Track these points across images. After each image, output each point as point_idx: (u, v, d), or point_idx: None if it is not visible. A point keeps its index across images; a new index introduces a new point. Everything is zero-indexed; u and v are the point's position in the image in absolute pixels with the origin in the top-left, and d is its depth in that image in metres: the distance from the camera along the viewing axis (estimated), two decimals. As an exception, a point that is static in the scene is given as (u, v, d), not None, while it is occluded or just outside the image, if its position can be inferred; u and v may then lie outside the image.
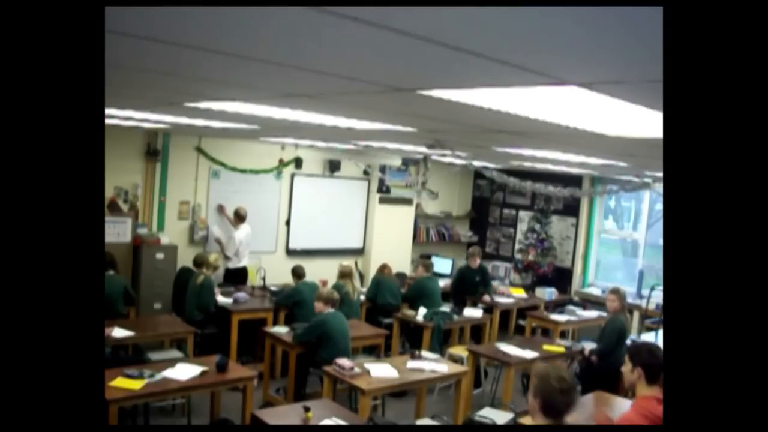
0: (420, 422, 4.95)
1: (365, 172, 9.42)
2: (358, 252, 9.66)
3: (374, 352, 6.53)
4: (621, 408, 4.79)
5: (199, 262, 6.77)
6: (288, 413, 4.16)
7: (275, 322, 6.71)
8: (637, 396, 3.08)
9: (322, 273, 8.02)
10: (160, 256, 7.35)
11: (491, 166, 7.52)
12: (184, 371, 4.53)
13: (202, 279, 6.42)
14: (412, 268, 9.64)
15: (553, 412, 2.54)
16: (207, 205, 8.14)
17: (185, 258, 7.40)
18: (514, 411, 5.16)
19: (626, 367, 3.13)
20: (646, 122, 2.43)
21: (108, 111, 4.52)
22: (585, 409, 4.73)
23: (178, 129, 6.51)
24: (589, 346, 6.16)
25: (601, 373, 5.53)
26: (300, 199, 8.99)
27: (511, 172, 6.37)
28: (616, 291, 5.86)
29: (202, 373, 4.53)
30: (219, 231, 7.92)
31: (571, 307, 8.34)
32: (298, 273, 6.91)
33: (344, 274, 6.98)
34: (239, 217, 7.82)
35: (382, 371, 4.90)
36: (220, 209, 8.12)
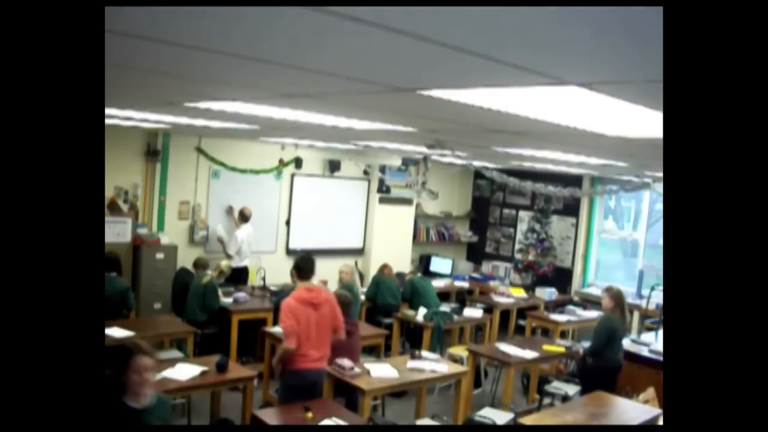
0: (420, 422, 4.95)
1: (365, 172, 9.42)
2: (358, 252, 9.66)
3: (374, 352, 6.53)
4: (621, 408, 4.80)
5: (200, 264, 6.78)
6: (288, 413, 4.16)
7: (275, 322, 6.70)
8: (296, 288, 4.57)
9: (322, 273, 8.00)
10: (160, 256, 7.36)
11: (491, 166, 7.52)
12: (184, 371, 4.53)
13: (208, 280, 6.43)
14: (411, 268, 9.65)
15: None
16: (207, 205, 8.14)
17: (185, 258, 7.40)
18: (514, 411, 5.16)
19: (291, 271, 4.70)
20: (646, 122, 2.43)
21: (108, 111, 4.52)
22: (585, 408, 4.73)
23: (178, 129, 6.51)
24: (586, 346, 6.16)
25: (595, 372, 5.53)
26: (300, 199, 8.99)
27: (511, 172, 6.37)
28: (608, 290, 5.79)
29: (202, 373, 4.53)
30: (222, 230, 7.94)
31: (571, 307, 8.34)
32: None
33: (349, 274, 7.07)
34: (243, 217, 7.87)
35: (382, 371, 4.90)
36: (230, 210, 8.16)
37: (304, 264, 4.61)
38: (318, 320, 4.41)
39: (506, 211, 10.78)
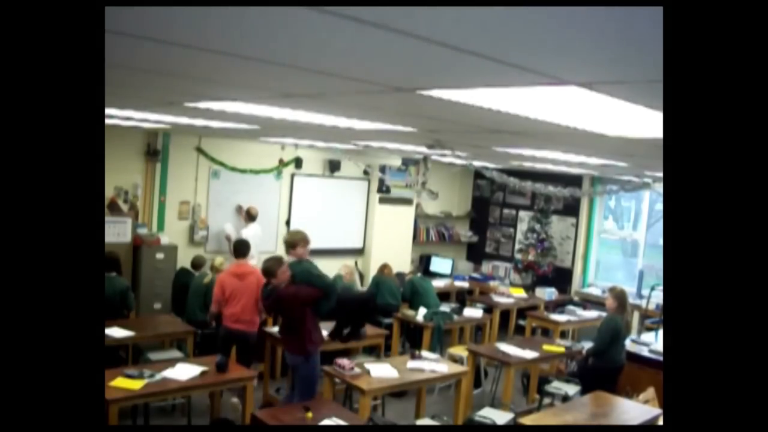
0: (420, 422, 4.95)
1: (365, 172, 9.41)
2: (358, 252, 9.66)
3: (374, 352, 6.53)
4: (622, 408, 4.80)
5: (197, 263, 6.78)
6: (288, 413, 4.16)
7: (275, 322, 6.70)
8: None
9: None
10: (160, 256, 7.36)
11: (491, 166, 7.52)
12: (184, 371, 4.53)
13: (209, 279, 6.43)
14: (411, 268, 9.66)
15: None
16: (207, 205, 8.15)
17: (185, 258, 7.40)
18: (514, 411, 5.16)
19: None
20: (646, 122, 2.43)
21: (108, 111, 4.52)
22: (585, 408, 4.74)
23: (178, 129, 6.51)
24: (588, 346, 6.16)
25: (596, 372, 5.53)
26: (300, 199, 8.99)
27: (511, 172, 6.37)
28: (612, 290, 5.81)
29: (202, 373, 4.53)
30: (231, 228, 7.98)
31: (571, 307, 8.34)
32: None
33: (349, 275, 7.09)
34: (249, 216, 7.95)
35: (382, 371, 4.90)
36: (239, 209, 8.26)
37: (238, 246, 5.98)
38: (243, 289, 5.54)
39: (506, 211, 10.78)
